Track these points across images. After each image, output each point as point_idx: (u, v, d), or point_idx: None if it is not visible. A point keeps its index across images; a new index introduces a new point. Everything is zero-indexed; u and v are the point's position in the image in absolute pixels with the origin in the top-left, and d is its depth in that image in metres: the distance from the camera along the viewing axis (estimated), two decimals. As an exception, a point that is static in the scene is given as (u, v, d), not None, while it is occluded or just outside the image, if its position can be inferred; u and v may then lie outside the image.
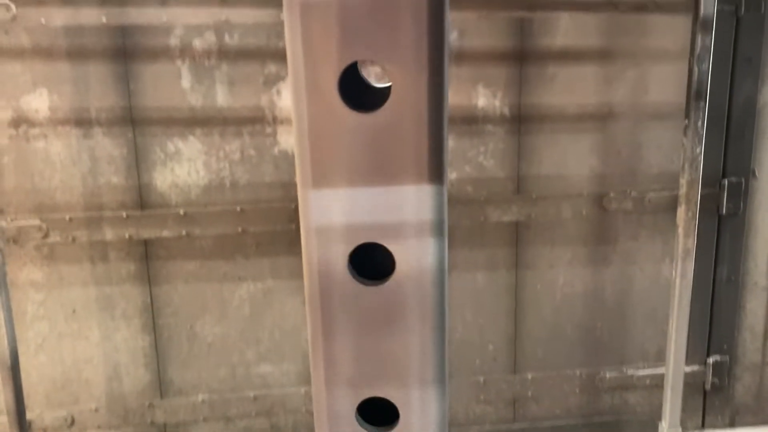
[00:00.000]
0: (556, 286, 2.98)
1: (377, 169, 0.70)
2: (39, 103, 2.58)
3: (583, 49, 2.76)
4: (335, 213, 0.73)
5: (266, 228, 2.75)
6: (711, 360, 3.09)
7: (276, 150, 2.71)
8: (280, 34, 2.61)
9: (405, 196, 0.69)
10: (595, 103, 2.81)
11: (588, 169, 2.86)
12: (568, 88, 2.77)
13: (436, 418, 0.74)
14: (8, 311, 2.29)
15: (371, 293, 0.71)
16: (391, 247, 0.71)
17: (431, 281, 0.70)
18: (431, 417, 0.73)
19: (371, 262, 0.73)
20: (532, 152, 2.82)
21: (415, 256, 0.70)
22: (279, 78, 2.65)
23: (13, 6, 2.47)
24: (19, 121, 2.59)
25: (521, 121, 2.79)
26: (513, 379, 3.04)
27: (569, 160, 2.84)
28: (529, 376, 3.04)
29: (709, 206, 2.87)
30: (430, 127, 0.71)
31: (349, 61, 0.68)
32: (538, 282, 2.97)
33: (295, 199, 2.74)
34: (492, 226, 2.87)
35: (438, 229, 0.70)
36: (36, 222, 2.64)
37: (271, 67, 2.64)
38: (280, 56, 2.62)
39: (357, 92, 0.73)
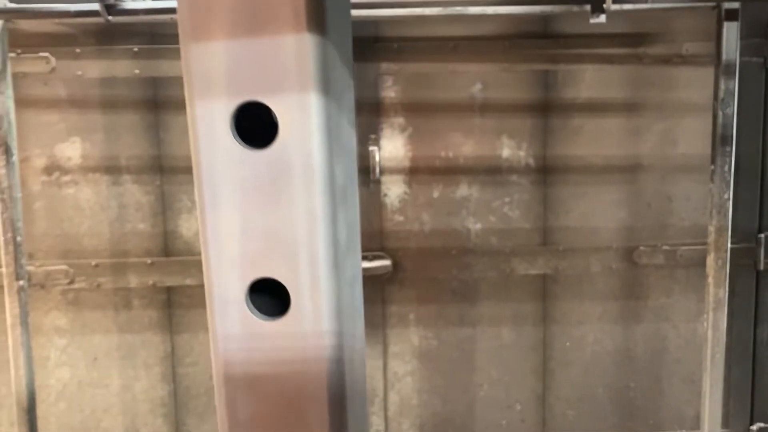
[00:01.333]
0: (586, 343, 2.87)
1: (254, 17, 0.68)
2: (72, 151, 2.66)
3: (609, 102, 2.74)
4: (215, 68, 0.68)
5: (288, 277, 2.73)
6: (755, 428, 2.90)
7: (299, 199, 2.72)
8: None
9: (284, 47, 0.65)
10: (622, 155, 2.77)
11: (616, 222, 2.79)
12: (594, 140, 2.75)
13: (330, 305, 0.69)
14: (28, 352, 2.29)
15: (256, 158, 0.66)
16: (273, 105, 0.66)
17: (317, 144, 0.66)
18: (324, 303, 0.68)
19: (258, 126, 0.68)
20: (559, 203, 2.78)
21: (298, 115, 0.66)
22: (304, 128, 2.69)
23: (52, 59, 2.58)
24: (52, 168, 2.66)
25: (547, 172, 2.76)
26: (542, 441, 2.91)
27: (597, 212, 2.79)
28: (559, 439, 2.90)
29: (746, 262, 2.76)
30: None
31: None
32: (567, 338, 2.86)
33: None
34: (518, 278, 2.81)
35: (321, 84, 0.67)
36: (63, 267, 2.68)
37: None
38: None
39: None
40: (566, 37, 2.69)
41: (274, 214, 0.69)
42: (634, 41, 2.68)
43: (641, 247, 2.79)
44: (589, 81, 2.72)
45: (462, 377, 2.86)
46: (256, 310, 0.72)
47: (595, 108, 2.74)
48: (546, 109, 2.73)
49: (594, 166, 2.77)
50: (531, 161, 2.75)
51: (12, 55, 2.46)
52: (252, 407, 0.74)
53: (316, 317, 0.70)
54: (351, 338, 0.74)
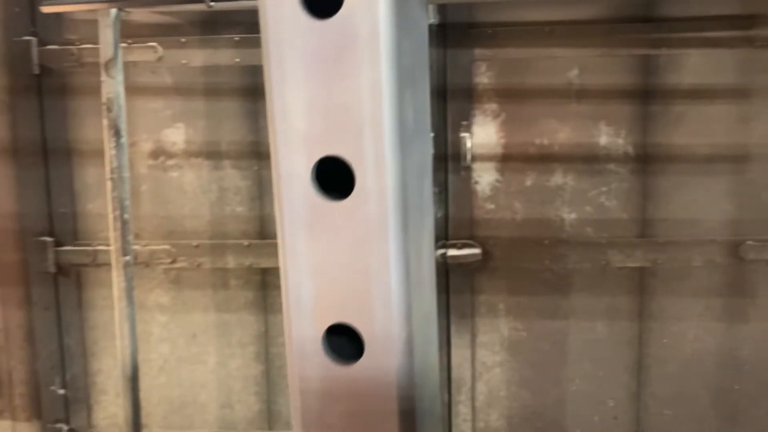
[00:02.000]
0: (686, 340, 2.74)
1: None
2: (176, 136, 2.79)
3: (715, 87, 2.61)
4: None
5: (378, 262, 2.76)
6: None
7: (391, 185, 2.74)
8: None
9: None
10: (729, 144, 2.63)
11: (721, 214, 2.65)
12: (698, 128, 2.62)
13: (395, 184, 0.66)
14: (132, 325, 2.42)
15: (321, 28, 0.65)
16: None
17: (383, 15, 0.64)
18: (389, 183, 0.66)
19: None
20: (659, 194, 2.67)
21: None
22: (397, 115, 2.71)
23: (160, 48, 2.72)
24: (158, 152, 2.80)
25: (647, 161, 2.65)
26: (636, 441, 2.80)
27: (700, 203, 2.66)
28: (655, 440, 2.79)
29: None
30: None
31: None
32: (665, 335, 2.74)
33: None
34: (614, 271, 2.72)
35: None
36: (166, 247, 2.81)
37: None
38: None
39: None
40: (670, 20, 2.57)
41: (338, 86, 0.69)
42: (744, 23, 2.54)
43: (748, 242, 2.63)
44: (694, 66, 2.60)
45: (553, 370, 2.80)
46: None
47: (700, 94, 2.61)
48: (646, 96, 2.63)
49: (697, 155, 2.64)
50: (630, 149, 2.66)
51: (123, 45, 2.61)
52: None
53: (381, 198, 0.69)
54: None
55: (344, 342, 0.76)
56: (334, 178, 0.70)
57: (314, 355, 0.71)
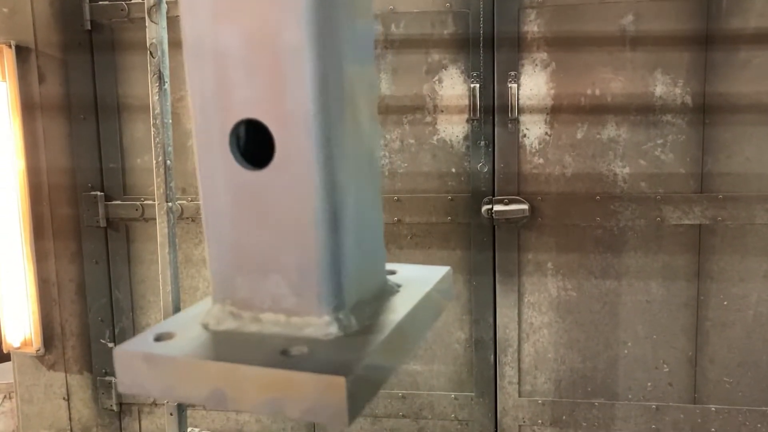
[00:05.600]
0: (749, 303, 2.59)
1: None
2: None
3: (784, 32, 2.44)
4: None
5: (421, 219, 2.70)
6: None
7: (435, 139, 2.68)
8: (444, 23, 2.62)
9: None
10: (798, 93, 2.46)
11: (789, 168, 2.49)
12: (763, 76, 2.46)
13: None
14: (175, 271, 2.43)
15: None
16: None
17: None
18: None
19: None
20: (719, 147, 2.52)
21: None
22: (441, 66, 2.64)
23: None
24: (204, 107, 2.81)
25: (706, 112, 2.51)
26: (693, 409, 2.66)
27: (764, 156, 2.50)
28: (713, 408, 2.64)
29: None
30: None
31: None
32: (726, 297, 2.59)
33: (452, 191, 2.68)
34: (670, 229, 2.58)
35: None
36: (211, 202, 2.82)
37: (434, 56, 2.64)
38: (443, 45, 2.62)
39: None
40: (734, -38, 2.43)
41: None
42: (816, -39, 2.37)
43: (819, 197, 2.46)
44: (760, 8, 2.44)
45: (604, 333, 2.68)
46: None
47: (766, 39, 2.45)
48: (707, 42, 2.48)
49: (762, 104, 2.48)
50: (688, 99, 2.52)
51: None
52: None
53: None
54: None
55: None
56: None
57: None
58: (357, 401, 0.54)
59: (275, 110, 0.60)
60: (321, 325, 0.60)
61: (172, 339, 0.63)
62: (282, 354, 0.58)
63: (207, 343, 0.62)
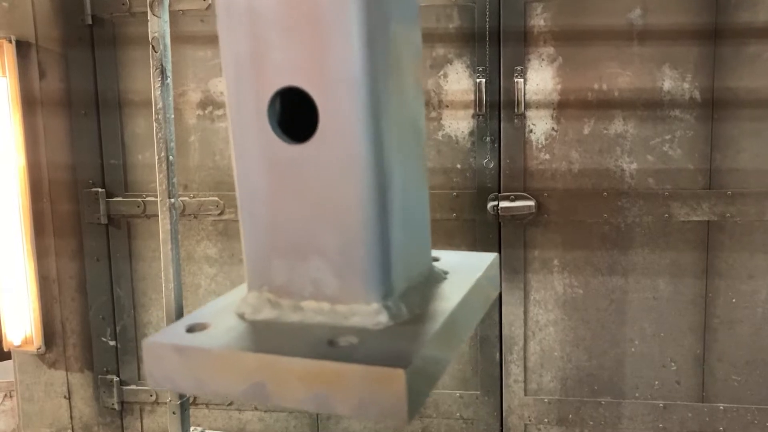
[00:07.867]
0: (757, 300, 2.56)
1: None
2: (224, 86, 2.76)
3: (793, 26, 2.41)
4: None
5: (427, 215, 2.67)
6: None
7: (440, 134, 2.65)
8: (449, 17, 2.59)
9: None
10: (807, 88, 2.43)
11: (798, 163, 2.46)
12: (773, 70, 2.43)
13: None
14: (177, 267, 2.40)
15: None
16: None
17: None
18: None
19: None
20: (728, 142, 2.49)
21: None
22: (446, 61, 2.61)
23: (209, -3, 2.69)
24: (206, 102, 2.79)
25: (715, 107, 2.48)
26: (701, 408, 2.63)
27: (774, 152, 2.47)
28: (721, 407, 2.61)
29: None
30: None
31: None
32: (734, 295, 2.57)
33: (457, 187, 2.65)
34: (677, 225, 2.55)
35: None
36: (214, 198, 2.80)
37: (439, 50, 2.61)
38: (449, 39, 2.59)
39: None
40: (743, -45, 2.40)
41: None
42: (826, -46, 2.34)
43: (829, 193, 2.43)
44: (770, 2, 2.41)
45: (610, 330, 2.65)
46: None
47: (776, 33, 2.42)
48: (715, 36, 2.45)
49: (772, 99, 2.45)
50: (696, 94, 2.49)
51: (172, -9, 2.59)
52: None
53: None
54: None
55: None
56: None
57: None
58: (416, 396, 0.49)
59: (318, 76, 0.55)
60: (369, 314, 0.56)
61: (205, 330, 0.59)
62: (329, 344, 0.53)
63: (244, 333, 0.58)
